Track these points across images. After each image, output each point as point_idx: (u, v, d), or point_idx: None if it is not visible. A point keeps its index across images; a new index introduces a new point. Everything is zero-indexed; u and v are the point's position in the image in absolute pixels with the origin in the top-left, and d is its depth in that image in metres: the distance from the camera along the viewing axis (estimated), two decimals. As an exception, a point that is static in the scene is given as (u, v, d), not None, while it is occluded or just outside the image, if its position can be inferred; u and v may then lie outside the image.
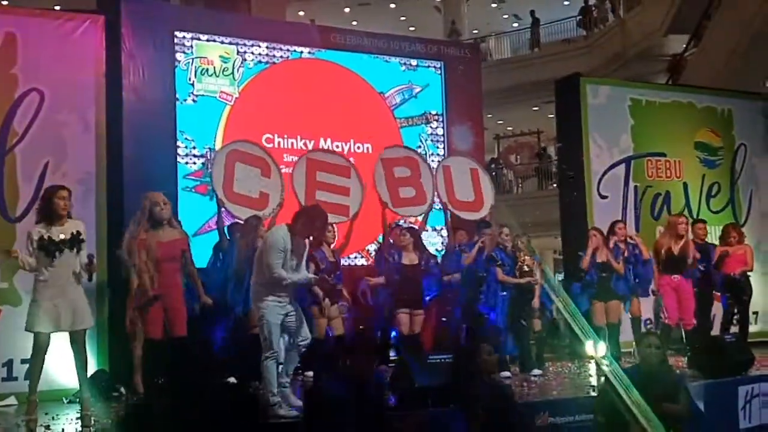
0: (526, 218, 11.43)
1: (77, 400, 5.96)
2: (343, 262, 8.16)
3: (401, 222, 8.36)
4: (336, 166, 8.04)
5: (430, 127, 9.93)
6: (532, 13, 23.39)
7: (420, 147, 9.66)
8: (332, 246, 7.67)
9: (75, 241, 5.64)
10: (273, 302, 5.61)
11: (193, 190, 8.40)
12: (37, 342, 5.58)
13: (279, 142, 8.82)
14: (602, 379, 3.25)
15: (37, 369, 5.62)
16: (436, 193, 8.43)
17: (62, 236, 5.60)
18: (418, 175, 8.28)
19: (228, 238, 7.37)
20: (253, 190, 7.50)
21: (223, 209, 7.44)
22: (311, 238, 5.90)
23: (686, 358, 7.69)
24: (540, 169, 23.08)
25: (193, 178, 8.40)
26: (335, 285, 7.49)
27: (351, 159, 8.52)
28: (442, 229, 9.06)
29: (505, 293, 7.66)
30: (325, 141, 9.04)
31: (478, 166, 8.96)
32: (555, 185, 18.78)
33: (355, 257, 8.96)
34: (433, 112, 9.95)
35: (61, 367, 6.19)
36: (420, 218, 8.49)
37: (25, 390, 5.72)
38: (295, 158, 8.41)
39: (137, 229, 6.21)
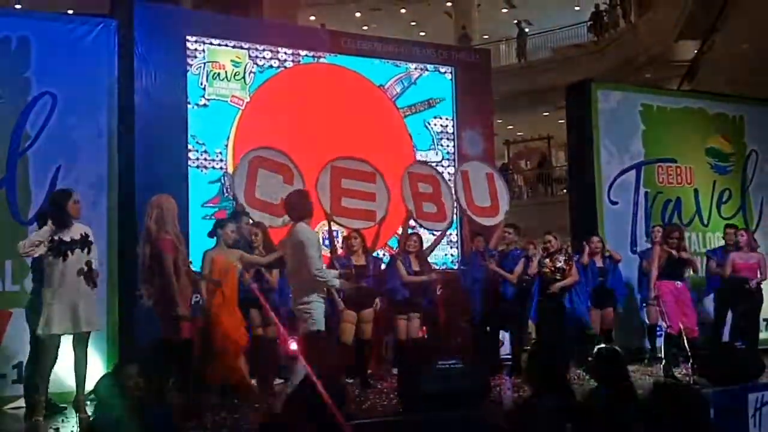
0: (536, 223, 11.40)
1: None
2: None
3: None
4: (361, 172, 8.02)
5: (441, 124, 9.94)
6: (518, 24, 23.44)
7: (430, 137, 9.74)
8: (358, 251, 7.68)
9: (85, 243, 5.71)
10: (318, 301, 5.65)
11: (212, 217, 8.37)
12: (47, 344, 5.63)
13: (289, 146, 8.82)
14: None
15: (45, 371, 5.67)
16: (455, 204, 8.44)
17: (72, 237, 5.67)
18: (440, 194, 8.31)
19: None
20: (274, 196, 7.47)
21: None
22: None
23: (690, 367, 7.65)
24: (542, 176, 23.18)
25: (211, 205, 8.38)
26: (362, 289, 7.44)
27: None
28: (450, 235, 9.07)
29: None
30: (337, 145, 9.05)
31: (494, 170, 8.96)
32: (564, 191, 18.76)
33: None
34: (436, 98, 9.96)
35: (69, 369, 6.20)
36: (437, 233, 8.49)
37: (36, 392, 5.76)
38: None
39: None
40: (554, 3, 23.50)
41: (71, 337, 5.72)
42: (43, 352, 5.68)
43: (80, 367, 5.75)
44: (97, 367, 6.54)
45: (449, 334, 8.39)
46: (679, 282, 7.84)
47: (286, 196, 6.16)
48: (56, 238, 5.62)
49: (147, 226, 5.61)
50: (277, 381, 7.09)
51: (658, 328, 8.66)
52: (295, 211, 5.93)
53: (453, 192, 8.37)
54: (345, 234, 7.93)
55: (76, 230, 5.72)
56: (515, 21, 23.57)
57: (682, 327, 7.94)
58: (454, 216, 8.45)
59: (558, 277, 7.79)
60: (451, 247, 9.71)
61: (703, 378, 7.17)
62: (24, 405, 6.32)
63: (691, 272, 8.23)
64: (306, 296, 5.67)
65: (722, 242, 9.55)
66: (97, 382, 4.35)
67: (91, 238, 5.78)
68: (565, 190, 19.05)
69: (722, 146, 10.73)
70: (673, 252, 7.80)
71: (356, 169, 8.00)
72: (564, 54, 22.49)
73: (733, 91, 11.57)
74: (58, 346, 5.70)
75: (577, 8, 23.25)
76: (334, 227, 7.84)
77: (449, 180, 8.83)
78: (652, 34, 18.43)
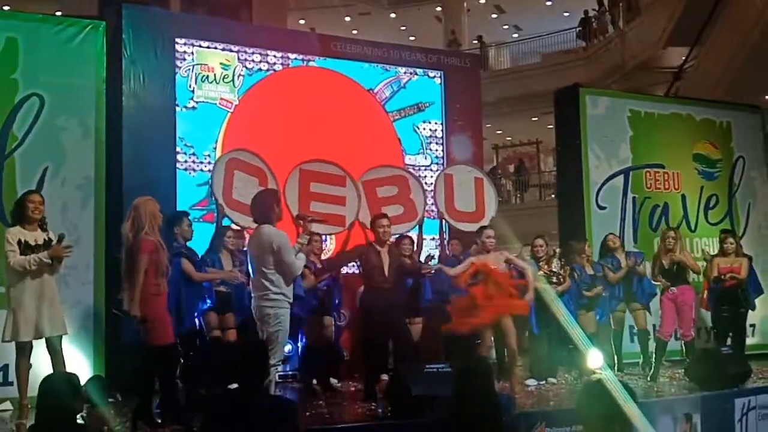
0: (524, 228, 11.40)
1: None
2: (343, 270, 8.15)
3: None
4: (330, 175, 7.97)
5: (430, 129, 9.95)
6: (479, 38, 23.52)
7: (419, 141, 9.78)
8: (320, 255, 7.72)
9: (48, 247, 5.68)
10: (288, 307, 5.55)
11: (200, 220, 8.31)
12: (19, 347, 5.62)
13: (278, 150, 8.81)
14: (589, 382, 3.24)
15: (24, 373, 5.64)
16: (432, 203, 8.41)
17: (37, 241, 5.64)
18: (408, 192, 8.24)
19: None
20: (250, 198, 7.46)
21: (223, 216, 7.41)
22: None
23: (684, 370, 7.68)
24: (519, 182, 23.37)
25: (199, 208, 8.34)
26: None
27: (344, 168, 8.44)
28: (436, 238, 9.05)
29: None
30: (326, 149, 9.03)
31: (483, 175, 8.90)
32: (553, 195, 18.83)
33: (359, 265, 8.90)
34: (425, 102, 9.98)
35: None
36: (414, 232, 8.42)
37: (22, 395, 5.74)
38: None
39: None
40: (543, 9, 23.61)
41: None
42: (17, 355, 5.66)
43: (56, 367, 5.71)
44: (83, 370, 6.50)
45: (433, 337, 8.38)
46: (674, 288, 7.88)
47: (252, 197, 5.96)
48: (23, 240, 5.60)
49: (123, 230, 5.54)
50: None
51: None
52: (259, 213, 5.72)
53: (427, 193, 8.34)
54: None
55: (40, 234, 5.71)
56: (478, 36, 23.62)
57: (679, 332, 8.00)
58: (427, 211, 8.40)
59: (554, 281, 7.78)
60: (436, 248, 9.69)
61: (692, 382, 7.21)
62: (11, 408, 6.31)
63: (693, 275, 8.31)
64: (274, 300, 5.48)
65: (709, 248, 9.64)
66: (85, 384, 4.29)
67: (54, 244, 5.76)
68: (553, 195, 19.11)
69: (709, 152, 10.79)
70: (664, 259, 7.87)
71: (325, 173, 7.93)
72: (553, 60, 22.57)
73: (720, 97, 11.64)
74: (31, 349, 5.68)
75: (566, 14, 23.35)
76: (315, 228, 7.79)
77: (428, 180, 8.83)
78: (641, 41, 18.53)
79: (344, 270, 8.24)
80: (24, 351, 5.65)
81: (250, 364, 3.97)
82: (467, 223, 8.33)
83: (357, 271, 8.82)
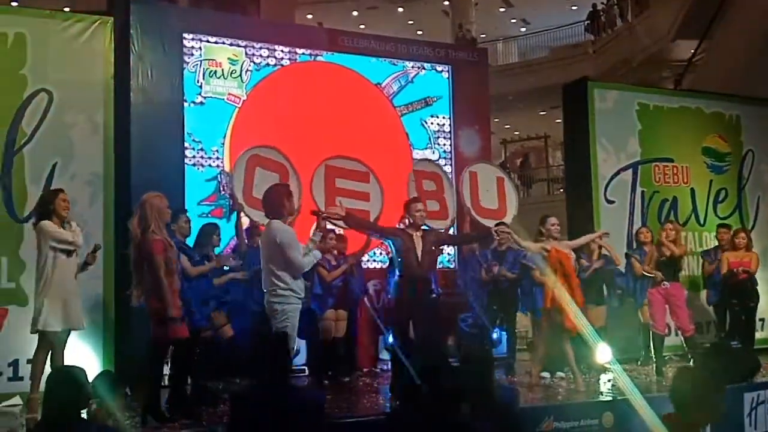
0: (533, 223, 11.38)
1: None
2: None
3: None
4: (355, 172, 7.99)
5: (437, 123, 9.93)
6: (467, 31, 23.50)
7: (426, 136, 9.81)
8: (336, 252, 7.76)
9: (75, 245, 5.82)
10: (297, 303, 5.56)
11: (209, 215, 8.32)
12: (44, 340, 5.64)
13: (286, 145, 8.80)
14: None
15: (40, 367, 5.67)
16: (455, 203, 8.43)
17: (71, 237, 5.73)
18: (442, 190, 8.30)
19: (246, 241, 7.42)
20: None
21: (242, 214, 7.41)
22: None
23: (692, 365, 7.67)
24: (523, 177, 23.35)
25: (207, 203, 8.36)
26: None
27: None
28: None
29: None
30: (334, 144, 9.03)
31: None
32: (562, 190, 18.79)
33: (367, 260, 8.92)
34: (433, 97, 9.96)
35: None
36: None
37: (32, 390, 5.77)
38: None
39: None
40: (551, 2, 23.54)
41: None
42: (38, 348, 5.70)
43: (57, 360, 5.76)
44: (93, 365, 6.53)
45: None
46: (666, 283, 7.85)
47: (264, 192, 5.93)
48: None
49: (130, 226, 5.56)
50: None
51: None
52: (270, 208, 5.73)
53: (455, 190, 8.36)
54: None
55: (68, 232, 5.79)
56: (466, 29, 23.54)
57: (675, 327, 7.99)
58: (455, 214, 8.42)
59: None
60: (447, 246, 9.67)
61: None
62: (20, 402, 6.33)
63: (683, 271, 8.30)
64: (282, 296, 5.51)
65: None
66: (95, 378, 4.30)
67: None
68: (562, 190, 19.08)
69: (718, 146, 10.74)
70: (664, 248, 7.85)
71: (350, 169, 7.96)
72: (561, 53, 22.51)
73: (729, 90, 11.58)
74: (51, 343, 5.72)
75: (574, 8, 23.27)
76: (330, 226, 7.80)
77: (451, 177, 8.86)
78: (649, 34, 18.46)
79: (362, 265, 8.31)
80: (45, 344, 5.69)
81: (273, 358, 3.97)
82: (492, 219, 8.32)
83: (370, 266, 8.91)
